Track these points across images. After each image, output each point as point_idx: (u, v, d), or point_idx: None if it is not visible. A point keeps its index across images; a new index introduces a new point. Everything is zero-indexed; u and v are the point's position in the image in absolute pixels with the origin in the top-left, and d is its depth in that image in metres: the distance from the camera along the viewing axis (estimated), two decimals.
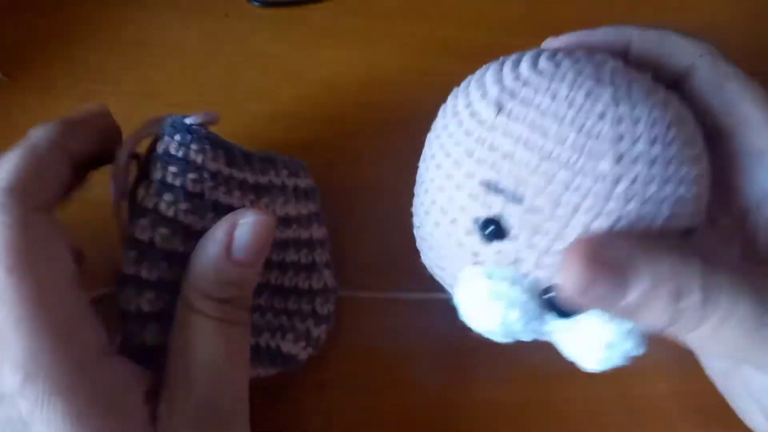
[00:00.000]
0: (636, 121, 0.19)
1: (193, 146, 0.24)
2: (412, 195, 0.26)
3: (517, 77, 0.21)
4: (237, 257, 0.23)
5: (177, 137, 0.24)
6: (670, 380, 0.33)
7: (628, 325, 0.20)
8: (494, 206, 0.20)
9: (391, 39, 0.41)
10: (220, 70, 0.39)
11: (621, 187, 0.19)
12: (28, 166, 0.22)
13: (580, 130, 0.19)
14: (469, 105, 0.22)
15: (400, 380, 0.29)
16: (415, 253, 0.26)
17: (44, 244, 0.22)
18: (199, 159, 0.24)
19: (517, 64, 0.21)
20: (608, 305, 0.20)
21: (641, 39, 0.25)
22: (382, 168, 0.35)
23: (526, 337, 0.22)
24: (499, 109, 0.20)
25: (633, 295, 0.19)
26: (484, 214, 0.20)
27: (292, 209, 0.28)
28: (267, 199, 0.27)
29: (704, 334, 0.20)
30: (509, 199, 0.20)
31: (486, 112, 0.21)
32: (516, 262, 0.20)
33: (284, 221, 0.28)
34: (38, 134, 0.24)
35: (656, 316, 0.20)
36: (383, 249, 0.33)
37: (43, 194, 0.23)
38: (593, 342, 0.20)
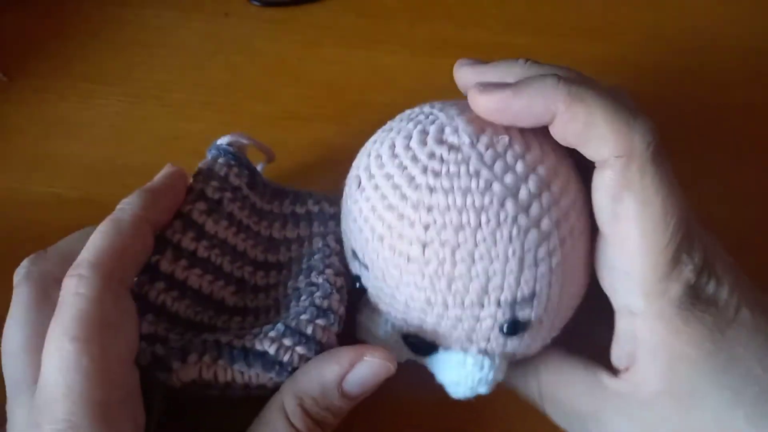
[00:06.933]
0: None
1: (221, 160, 0.28)
2: None
3: (378, 159, 0.23)
4: (347, 390, 0.24)
5: (212, 152, 0.28)
6: None
7: (476, 357, 0.24)
8: (354, 268, 0.25)
9: (391, 38, 0.41)
10: (221, 69, 0.39)
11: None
12: (113, 243, 0.24)
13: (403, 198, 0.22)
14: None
15: (395, 381, 0.29)
16: None
17: (114, 321, 0.23)
18: (222, 172, 0.28)
19: (383, 150, 0.24)
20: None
21: (566, 116, 0.22)
22: None
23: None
24: (358, 184, 0.24)
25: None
26: (353, 271, 0.26)
27: (289, 232, 0.30)
28: (266, 223, 0.30)
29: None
30: (362, 264, 0.24)
31: (352, 186, 0.25)
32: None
33: (284, 242, 0.30)
34: (123, 207, 0.25)
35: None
36: None
37: (123, 270, 0.24)
38: (452, 374, 0.24)
